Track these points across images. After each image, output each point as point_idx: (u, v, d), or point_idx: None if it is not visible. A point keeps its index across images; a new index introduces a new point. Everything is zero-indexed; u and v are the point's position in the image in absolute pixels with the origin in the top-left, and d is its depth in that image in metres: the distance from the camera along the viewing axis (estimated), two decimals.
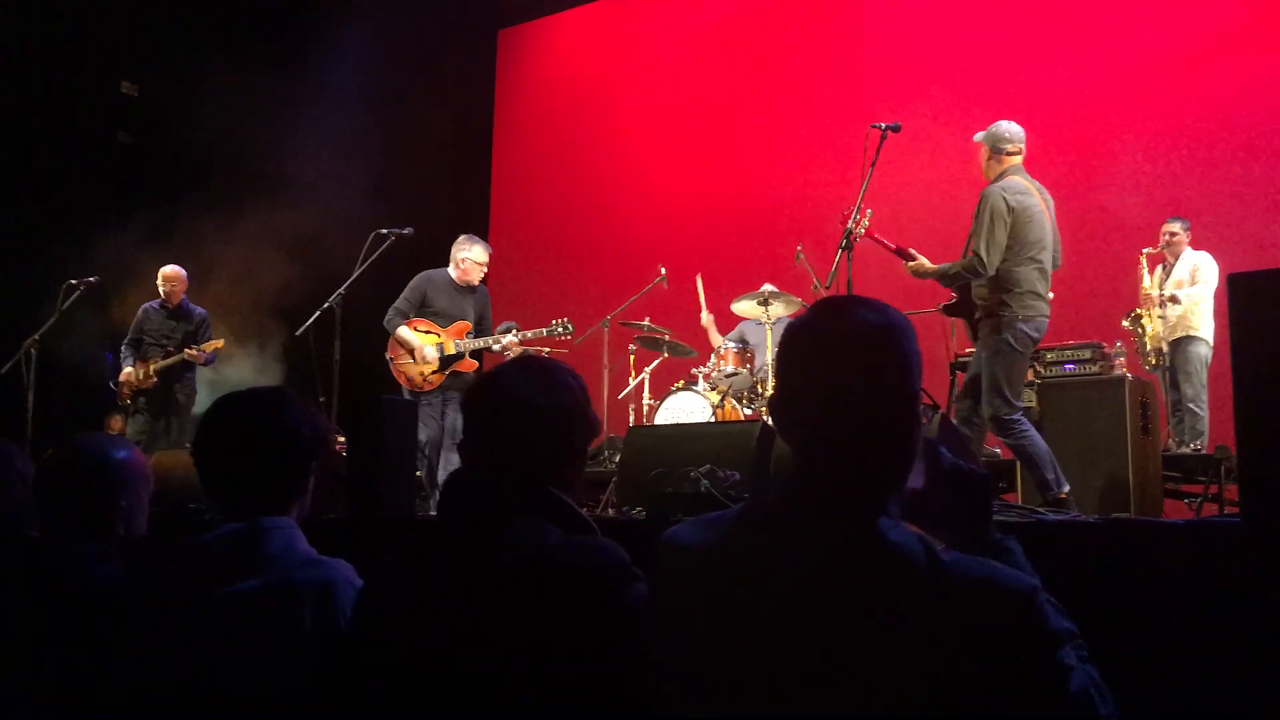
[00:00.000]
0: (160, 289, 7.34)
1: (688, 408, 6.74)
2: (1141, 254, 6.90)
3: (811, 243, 6.59)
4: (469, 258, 6.21)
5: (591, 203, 10.18)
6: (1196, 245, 6.82)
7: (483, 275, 6.29)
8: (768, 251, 8.88)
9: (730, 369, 6.85)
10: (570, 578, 1.47)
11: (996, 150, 4.69)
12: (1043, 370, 5.10)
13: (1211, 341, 6.38)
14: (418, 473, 6.42)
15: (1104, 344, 5.44)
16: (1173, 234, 6.81)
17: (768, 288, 6.94)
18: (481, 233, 10.66)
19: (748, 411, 6.81)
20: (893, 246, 4.82)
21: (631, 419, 7.36)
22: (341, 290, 6.16)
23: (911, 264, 4.73)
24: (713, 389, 6.87)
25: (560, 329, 6.29)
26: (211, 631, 1.67)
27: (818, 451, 1.31)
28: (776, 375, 1.38)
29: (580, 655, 1.43)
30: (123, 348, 7.37)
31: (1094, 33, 8.08)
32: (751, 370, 6.89)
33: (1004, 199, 4.51)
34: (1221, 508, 4.99)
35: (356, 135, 9.43)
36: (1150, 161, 7.83)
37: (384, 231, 6.24)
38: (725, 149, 9.60)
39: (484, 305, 6.34)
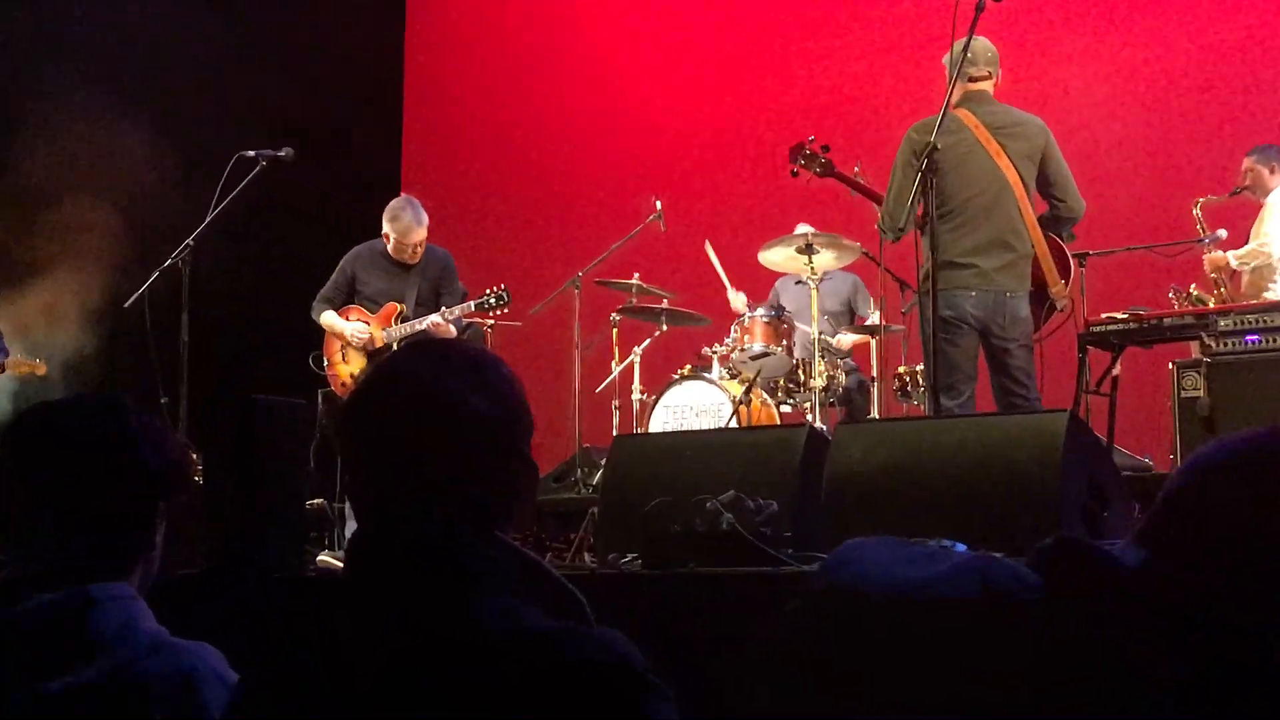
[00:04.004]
0: None
1: (697, 405, 6.75)
2: (1194, 205, 6.97)
3: (871, 160, 6.55)
4: (390, 233, 6.72)
5: (551, 120, 10.19)
6: None
7: (418, 248, 6.74)
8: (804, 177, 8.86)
9: (759, 347, 6.84)
10: (567, 687, 1.43)
11: (959, 75, 5.29)
12: (1214, 344, 5.11)
13: None
14: (319, 502, 6.47)
15: None
16: (1247, 169, 6.97)
17: (806, 229, 6.93)
18: (394, 167, 10.64)
19: (786, 409, 6.80)
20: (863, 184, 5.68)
21: (616, 423, 7.36)
22: (190, 241, 6.11)
23: None
24: (733, 377, 6.86)
25: (493, 299, 6.60)
26: None
27: None
28: None
29: None
30: None
31: None
32: (789, 348, 6.89)
33: (908, 141, 5.21)
34: None
35: (221, 38, 9.38)
36: None
37: (250, 154, 6.21)
38: (734, 33, 9.57)
39: (440, 275, 6.83)
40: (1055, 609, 1.58)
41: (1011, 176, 5.23)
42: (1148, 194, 8.08)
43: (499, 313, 6.71)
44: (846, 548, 1.78)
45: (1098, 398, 5.58)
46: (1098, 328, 5.49)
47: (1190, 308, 5.36)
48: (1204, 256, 6.90)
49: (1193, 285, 6.81)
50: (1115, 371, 5.49)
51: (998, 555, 1.79)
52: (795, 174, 5.76)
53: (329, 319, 6.74)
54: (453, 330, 6.58)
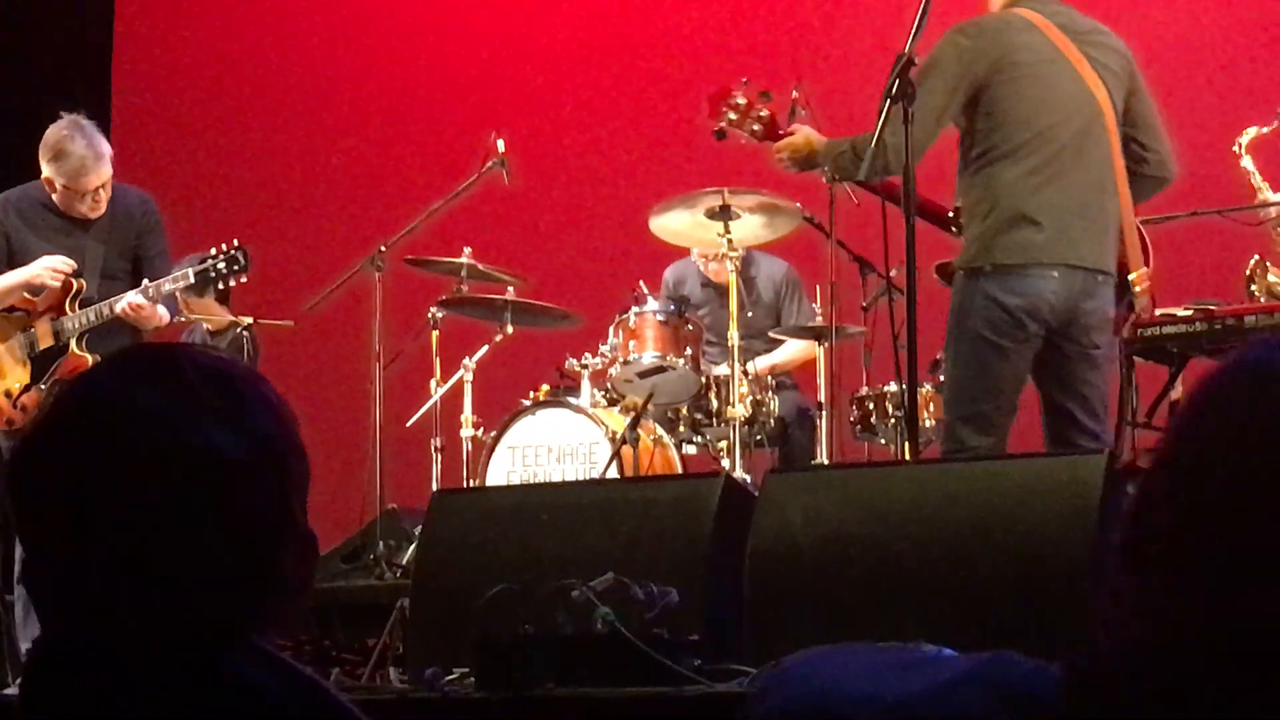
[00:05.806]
0: None
1: (559, 445, 6.79)
2: (1238, 143, 6.99)
3: (816, 77, 6.60)
4: (55, 177, 6.63)
5: (344, 19, 10.19)
6: None
7: (99, 193, 6.68)
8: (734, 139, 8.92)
9: (651, 358, 6.92)
10: None
11: None
12: None
13: None
14: None
15: None
16: None
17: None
18: (101, 71, 10.51)
19: (691, 450, 6.84)
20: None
21: (437, 473, 7.39)
22: None
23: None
24: (613, 403, 6.89)
25: (222, 264, 6.54)
26: None
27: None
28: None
29: None
30: None
31: None
32: (696, 359, 6.92)
33: (957, 37, 5.22)
34: None
35: None
36: None
37: None
38: None
39: (139, 233, 6.85)
40: None
41: (1104, 101, 5.24)
42: (1198, 141, 8.19)
43: (233, 283, 6.64)
44: (799, 661, 1.79)
45: (1150, 433, 5.66)
46: (1149, 331, 5.58)
47: None
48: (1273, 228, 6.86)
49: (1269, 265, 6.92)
50: (1176, 394, 5.57)
51: (1014, 655, 1.80)
52: (721, 135, 5.72)
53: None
54: (162, 317, 6.53)
